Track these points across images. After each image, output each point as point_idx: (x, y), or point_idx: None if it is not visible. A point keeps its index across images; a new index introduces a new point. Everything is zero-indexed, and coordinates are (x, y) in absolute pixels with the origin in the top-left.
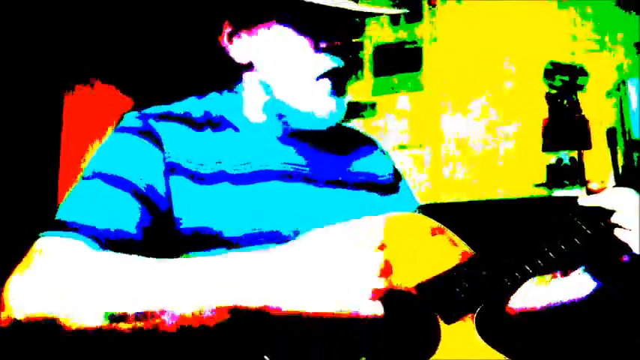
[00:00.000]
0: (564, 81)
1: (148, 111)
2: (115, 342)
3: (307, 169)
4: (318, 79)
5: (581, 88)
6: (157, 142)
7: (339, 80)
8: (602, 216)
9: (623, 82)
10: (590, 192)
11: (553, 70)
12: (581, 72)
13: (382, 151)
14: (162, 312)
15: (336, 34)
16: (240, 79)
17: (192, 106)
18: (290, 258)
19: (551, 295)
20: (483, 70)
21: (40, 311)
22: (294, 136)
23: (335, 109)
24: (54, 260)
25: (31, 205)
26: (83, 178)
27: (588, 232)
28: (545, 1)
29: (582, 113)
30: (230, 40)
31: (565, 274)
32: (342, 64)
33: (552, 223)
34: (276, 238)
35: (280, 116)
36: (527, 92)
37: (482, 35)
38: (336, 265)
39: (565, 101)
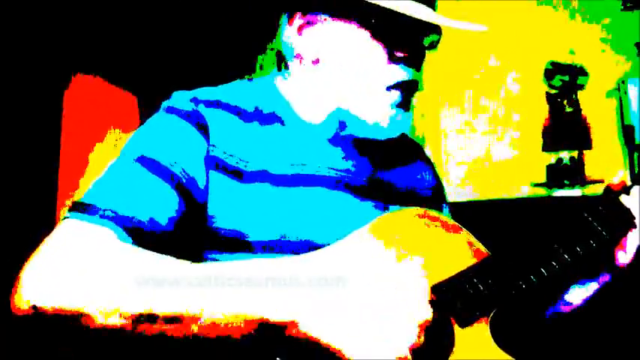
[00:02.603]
0: (564, 81)
1: (199, 94)
2: (136, 344)
3: (352, 177)
4: (388, 89)
5: (581, 88)
6: (204, 131)
7: (407, 93)
8: (618, 217)
9: (623, 82)
10: (609, 188)
11: (553, 70)
12: (581, 72)
13: (427, 158)
14: (192, 318)
15: (412, 45)
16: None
17: (244, 93)
18: (333, 289)
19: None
20: (483, 69)
21: (61, 303)
22: (345, 140)
23: (400, 121)
24: (84, 251)
25: (31, 205)
26: (124, 156)
27: (604, 233)
28: (545, 0)
29: (582, 113)
30: (299, 32)
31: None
32: (413, 76)
33: (567, 225)
34: (307, 247)
35: (337, 118)
36: (527, 92)
37: (482, 35)
38: (375, 324)
39: (565, 101)
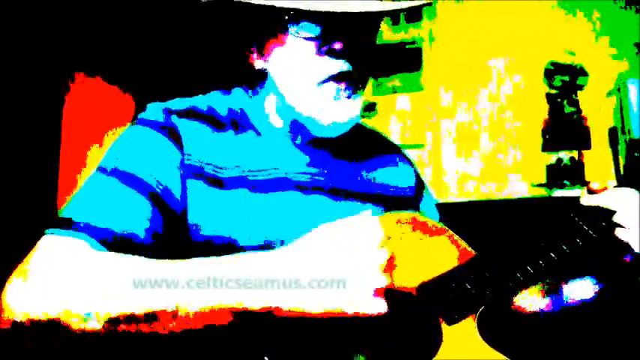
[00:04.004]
0: (564, 81)
1: (172, 105)
2: (118, 344)
3: (325, 179)
4: (321, 83)
5: (581, 88)
6: (178, 141)
7: (347, 84)
8: (603, 216)
9: (623, 82)
10: (590, 192)
11: (553, 70)
12: (581, 72)
13: (406, 159)
14: (169, 314)
15: (336, 36)
16: (261, 79)
17: (217, 103)
18: (293, 258)
19: (555, 299)
20: (483, 69)
21: (40, 313)
22: (314, 143)
23: (344, 115)
24: (58, 261)
25: (31, 205)
26: (99, 171)
27: (590, 232)
28: (545, 0)
29: (582, 113)
30: (258, 55)
31: (566, 281)
32: (349, 67)
33: (554, 224)
34: None
35: (294, 124)
36: (527, 92)
37: (482, 35)
38: (338, 263)
39: (565, 101)
